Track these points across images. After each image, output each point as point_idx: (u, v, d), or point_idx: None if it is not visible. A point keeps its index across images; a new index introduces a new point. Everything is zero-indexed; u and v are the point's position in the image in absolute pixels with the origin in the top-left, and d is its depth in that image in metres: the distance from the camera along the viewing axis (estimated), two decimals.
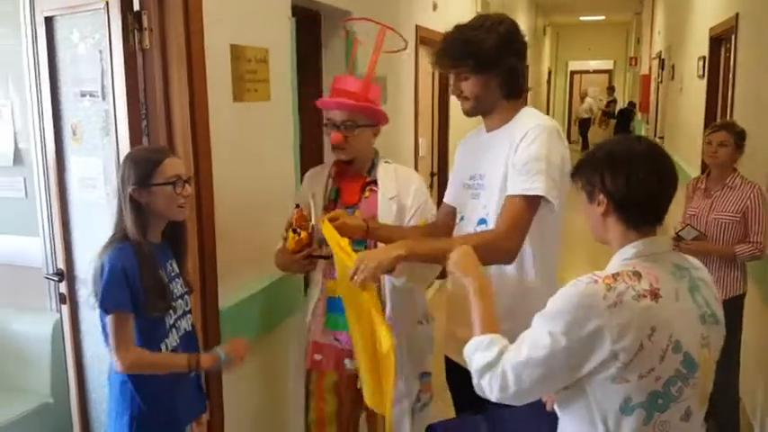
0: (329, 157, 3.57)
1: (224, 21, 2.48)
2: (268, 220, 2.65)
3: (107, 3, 2.25)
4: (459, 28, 2.14)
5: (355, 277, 1.95)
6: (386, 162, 2.56)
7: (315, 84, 3.70)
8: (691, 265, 1.56)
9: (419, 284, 2.54)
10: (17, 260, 3.35)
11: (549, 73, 18.51)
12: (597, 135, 17.26)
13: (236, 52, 2.54)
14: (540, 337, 1.45)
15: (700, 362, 1.46)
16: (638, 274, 1.43)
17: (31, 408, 3.05)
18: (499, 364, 1.50)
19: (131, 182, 1.97)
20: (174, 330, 2.08)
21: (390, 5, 4.34)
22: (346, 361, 2.52)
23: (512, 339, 1.58)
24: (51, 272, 2.83)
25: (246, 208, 2.69)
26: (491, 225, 2.10)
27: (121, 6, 2.23)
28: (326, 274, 2.50)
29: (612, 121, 17.01)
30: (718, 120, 5.37)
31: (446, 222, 2.39)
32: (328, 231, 2.15)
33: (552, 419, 1.61)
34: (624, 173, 1.48)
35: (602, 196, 1.51)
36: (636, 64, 16.12)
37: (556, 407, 1.58)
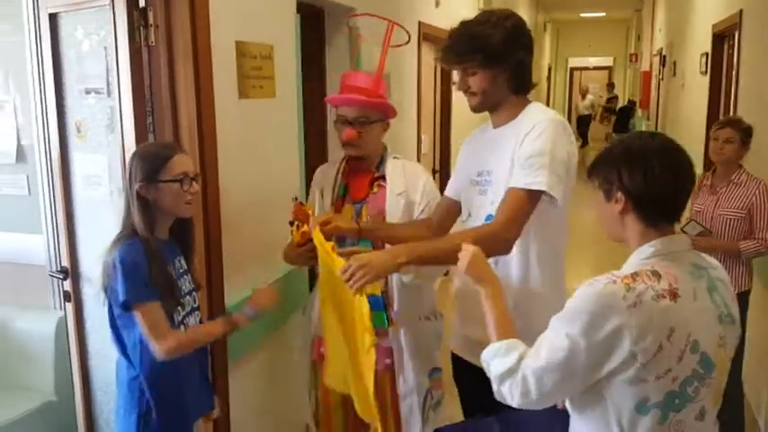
0: (333, 153, 3.59)
1: (229, 17, 2.46)
2: (273, 217, 2.64)
3: None
4: (465, 23, 2.13)
5: (351, 282, 1.90)
6: (394, 158, 2.56)
7: (319, 80, 3.69)
8: (709, 264, 1.55)
9: (427, 281, 2.54)
10: (20, 258, 3.33)
11: (549, 69, 18.51)
12: (599, 131, 17.27)
13: (242, 49, 2.53)
14: (558, 339, 1.43)
15: (716, 362, 1.45)
16: (657, 274, 1.42)
17: (34, 406, 3.04)
18: (519, 370, 1.48)
19: (138, 178, 1.97)
20: (182, 327, 2.07)
21: (393, 2, 4.32)
22: None
23: (521, 339, 1.58)
24: (55, 269, 2.82)
25: (252, 205, 2.68)
26: None
27: (127, 3, 2.22)
28: None
29: (614, 118, 17.01)
30: (721, 116, 5.37)
31: (442, 217, 2.39)
32: (317, 237, 2.16)
33: (565, 418, 1.60)
34: (641, 169, 1.46)
35: (619, 194, 1.49)
36: (636, 60, 16.11)
37: (568, 406, 1.57)
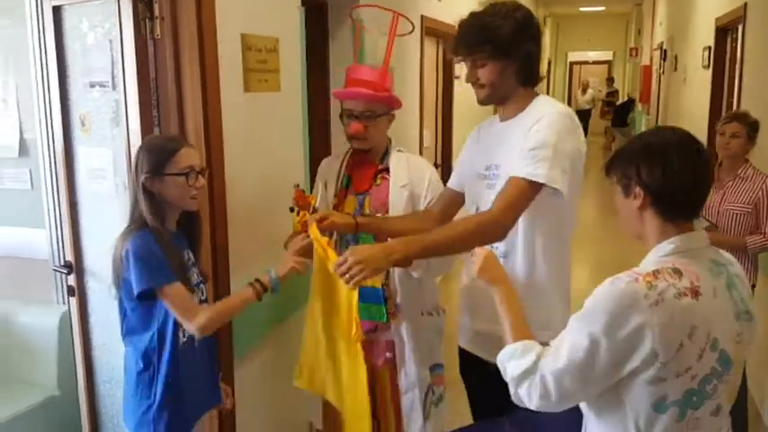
0: (337, 146, 3.57)
1: (235, 9, 2.45)
2: (278, 210, 2.63)
3: None
4: (474, 15, 2.12)
5: (347, 276, 1.88)
6: (399, 151, 2.56)
7: (322, 74, 3.68)
8: (727, 261, 1.54)
9: (435, 276, 2.54)
10: (23, 252, 3.31)
11: (549, 63, 18.49)
12: (599, 125, 17.26)
13: (247, 41, 2.51)
14: (579, 339, 1.41)
15: (734, 359, 1.43)
16: (678, 272, 1.40)
17: (37, 401, 3.03)
18: (537, 371, 1.46)
19: (144, 170, 1.96)
20: None
21: None
22: None
23: None
24: (59, 264, 2.81)
25: (257, 198, 2.67)
26: None
27: None
28: None
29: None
30: (724, 111, 5.35)
31: (445, 209, 2.38)
32: (314, 233, 2.16)
33: (580, 417, 1.59)
34: (660, 164, 1.44)
35: (638, 189, 1.48)
36: (636, 55, 16.08)
37: (583, 408, 1.55)
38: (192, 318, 1.94)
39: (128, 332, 2.05)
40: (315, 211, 2.27)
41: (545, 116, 2.02)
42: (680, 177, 1.44)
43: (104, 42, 2.34)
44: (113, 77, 2.34)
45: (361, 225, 2.31)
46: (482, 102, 2.17)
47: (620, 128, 14.79)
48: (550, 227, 2.11)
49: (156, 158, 1.96)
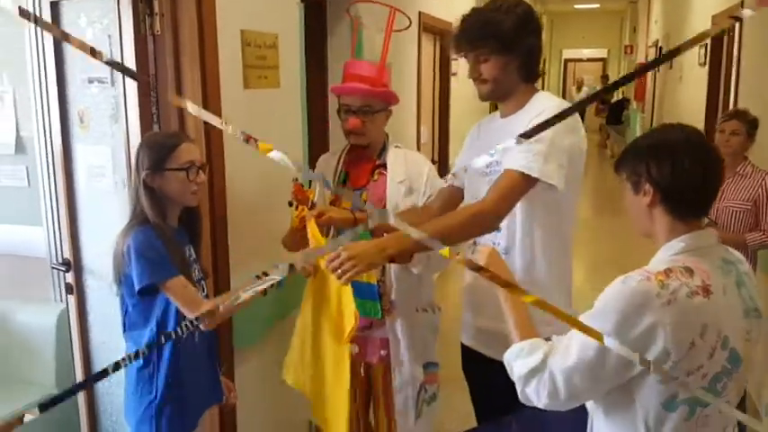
0: (335, 143, 3.56)
1: (235, 5, 2.43)
2: (278, 207, 2.62)
3: None
4: (477, 10, 2.13)
5: (339, 271, 1.88)
6: (396, 146, 2.55)
7: (321, 70, 3.67)
8: (736, 258, 1.53)
9: (435, 272, 2.53)
10: (20, 250, 3.29)
11: (544, 61, 18.45)
12: (593, 122, 17.29)
13: (247, 38, 2.50)
14: (589, 337, 1.40)
15: (743, 356, 1.43)
16: (689, 271, 1.39)
17: (35, 399, 3.01)
18: (546, 369, 1.45)
19: (145, 166, 1.95)
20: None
21: None
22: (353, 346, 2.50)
23: None
24: (56, 261, 2.79)
25: (256, 195, 2.66)
26: None
27: None
28: None
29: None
30: (721, 108, 5.36)
31: (444, 204, 2.37)
32: (312, 229, 2.15)
33: (585, 415, 1.58)
34: (670, 161, 1.44)
35: (648, 186, 1.47)
36: (632, 52, 16.09)
37: (590, 406, 1.54)
38: (198, 309, 1.93)
39: (129, 328, 2.05)
40: (313, 205, 2.27)
41: (545, 111, 2.01)
42: (689, 174, 1.43)
43: (103, 38, 2.33)
44: (112, 74, 2.33)
45: (359, 220, 2.31)
46: (484, 97, 2.17)
47: (615, 125, 14.79)
48: (551, 223, 2.11)
49: (156, 154, 1.95)
